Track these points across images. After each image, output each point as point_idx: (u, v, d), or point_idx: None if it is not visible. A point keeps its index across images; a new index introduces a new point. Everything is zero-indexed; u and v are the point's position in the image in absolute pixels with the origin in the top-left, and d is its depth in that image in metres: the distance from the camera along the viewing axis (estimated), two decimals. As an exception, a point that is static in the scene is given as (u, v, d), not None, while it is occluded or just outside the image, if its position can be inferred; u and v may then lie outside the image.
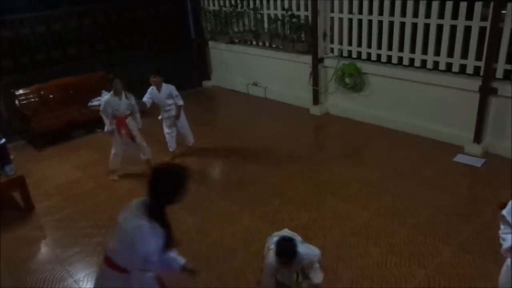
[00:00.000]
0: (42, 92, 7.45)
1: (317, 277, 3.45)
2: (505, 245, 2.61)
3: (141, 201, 2.57)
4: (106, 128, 5.63)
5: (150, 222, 2.47)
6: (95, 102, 7.67)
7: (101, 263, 2.74)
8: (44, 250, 4.56)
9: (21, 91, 7.23)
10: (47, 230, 4.88)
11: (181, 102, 6.10)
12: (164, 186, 2.51)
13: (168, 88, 5.99)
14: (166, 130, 6.22)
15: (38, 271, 4.17)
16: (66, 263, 4.25)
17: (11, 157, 5.28)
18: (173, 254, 2.85)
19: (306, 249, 3.41)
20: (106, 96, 5.70)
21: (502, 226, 2.70)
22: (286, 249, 3.25)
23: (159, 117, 6.21)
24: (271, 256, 3.34)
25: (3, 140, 5.17)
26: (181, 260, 2.88)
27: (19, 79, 7.31)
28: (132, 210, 2.54)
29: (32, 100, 7.33)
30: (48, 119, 7.20)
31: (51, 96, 7.55)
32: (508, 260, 2.76)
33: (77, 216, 5.06)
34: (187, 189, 2.58)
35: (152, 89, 5.96)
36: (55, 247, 4.53)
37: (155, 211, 2.51)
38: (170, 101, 6.02)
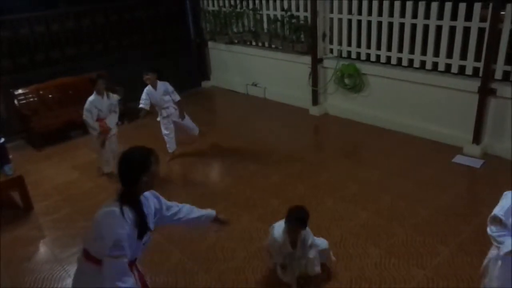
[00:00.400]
0: (41, 92, 7.45)
1: (314, 266, 3.48)
2: (505, 249, 2.60)
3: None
4: (93, 133, 5.65)
5: (120, 208, 2.46)
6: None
7: (80, 256, 2.69)
8: (42, 250, 4.56)
9: (20, 91, 7.23)
10: (46, 230, 4.88)
11: (178, 97, 6.06)
12: (128, 170, 2.52)
13: (163, 85, 5.97)
14: (164, 131, 6.17)
15: (36, 271, 4.17)
16: (65, 263, 4.25)
17: (10, 156, 5.28)
18: (198, 211, 3.00)
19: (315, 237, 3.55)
20: (90, 97, 5.61)
21: (493, 228, 2.69)
22: (298, 213, 3.36)
23: (158, 119, 6.18)
24: (276, 231, 3.48)
25: (2, 140, 5.17)
26: (211, 212, 3.07)
27: (18, 79, 7.31)
28: (108, 201, 2.57)
29: (31, 100, 7.32)
30: (47, 119, 7.20)
31: (50, 96, 7.54)
32: (493, 258, 2.79)
33: (75, 216, 5.06)
34: (154, 172, 2.57)
35: (148, 88, 5.93)
36: (54, 247, 4.53)
37: (126, 196, 2.52)
38: (167, 98, 5.97)
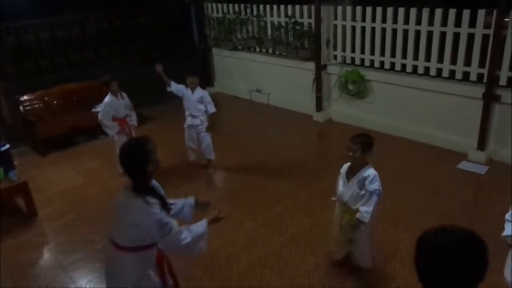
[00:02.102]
0: (46, 98, 7.50)
1: (366, 208, 3.46)
2: (504, 232, 2.76)
3: (125, 186, 2.71)
4: (111, 133, 5.75)
5: (142, 198, 2.61)
6: (98, 108, 7.69)
7: (109, 247, 2.79)
8: (46, 256, 4.56)
9: (25, 97, 7.28)
10: (50, 236, 4.88)
11: (213, 110, 5.86)
12: (132, 165, 2.66)
13: (202, 92, 5.80)
14: (187, 142, 6.04)
15: (40, 277, 4.17)
16: (69, 269, 4.25)
17: (15, 163, 5.30)
18: (178, 202, 3.05)
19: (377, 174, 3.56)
20: (106, 98, 5.76)
21: (507, 215, 2.85)
22: (363, 136, 3.63)
23: (185, 125, 6.00)
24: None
25: (7, 146, 5.19)
26: (190, 200, 3.11)
27: (24, 85, 7.37)
28: (123, 198, 2.69)
29: (36, 106, 7.37)
30: (52, 125, 7.23)
31: (55, 102, 7.59)
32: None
33: (80, 222, 5.07)
34: (154, 159, 2.68)
35: (185, 88, 5.78)
36: (58, 253, 4.54)
37: (140, 187, 2.66)
38: (200, 106, 5.78)
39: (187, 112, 5.90)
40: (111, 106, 5.69)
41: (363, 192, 3.48)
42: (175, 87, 5.82)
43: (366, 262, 3.80)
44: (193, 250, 2.88)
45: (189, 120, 5.90)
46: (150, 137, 2.75)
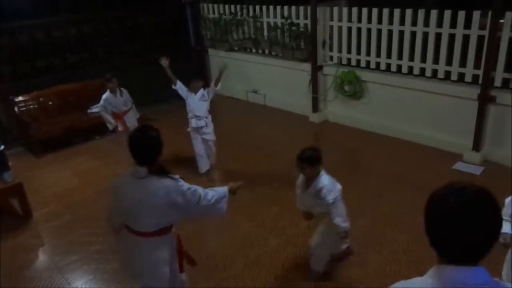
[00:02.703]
0: (41, 99, 7.47)
1: (338, 219, 3.48)
2: (503, 229, 2.72)
3: (132, 174, 2.78)
4: (110, 127, 5.92)
5: (167, 177, 2.77)
6: (94, 109, 7.68)
7: (131, 236, 2.86)
8: (42, 257, 4.55)
9: (20, 98, 7.25)
10: (45, 238, 4.86)
11: (219, 88, 5.71)
12: (153, 148, 2.79)
13: (202, 91, 5.58)
14: (195, 148, 5.76)
15: (36, 279, 4.15)
16: (64, 271, 4.24)
17: (10, 164, 5.29)
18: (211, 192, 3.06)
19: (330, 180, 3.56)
20: (104, 95, 5.98)
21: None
22: (308, 152, 3.58)
23: (188, 129, 5.77)
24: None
25: (2, 147, 5.19)
26: (223, 189, 3.18)
27: (19, 86, 7.33)
28: (145, 186, 2.73)
29: (32, 107, 7.34)
30: (48, 126, 7.21)
31: (50, 103, 7.56)
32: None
33: (75, 223, 5.05)
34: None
35: (188, 92, 5.56)
36: (53, 255, 4.52)
37: (160, 170, 2.78)
38: (204, 105, 5.55)
39: (190, 114, 5.63)
40: (109, 102, 5.93)
41: (320, 201, 3.53)
42: (179, 85, 5.55)
43: (318, 266, 3.81)
44: (217, 210, 3.03)
45: (193, 123, 5.62)
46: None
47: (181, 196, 2.77)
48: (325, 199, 3.46)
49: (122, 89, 6.11)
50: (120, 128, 6.11)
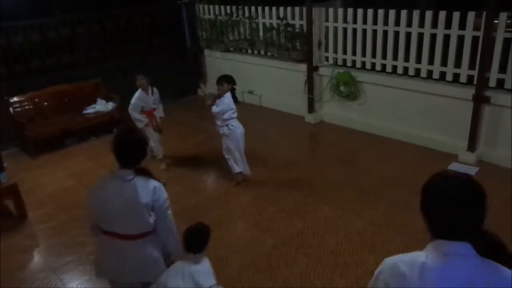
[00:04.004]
0: (36, 100, 7.42)
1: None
2: None
3: (115, 176, 2.79)
4: (139, 125, 5.88)
5: (153, 178, 2.84)
6: (90, 110, 7.66)
7: (112, 241, 2.83)
8: (37, 258, 4.53)
9: (15, 99, 7.20)
10: (40, 239, 4.84)
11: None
12: (141, 150, 2.82)
13: (228, 96, 5.43)
14: (225, 155, 5.56)
15: (30, 280, 4.14)
16: (59, 271, 4.22)
17: (4, 164, 5.26)
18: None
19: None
20: (136, 93, 5.94)
21: None
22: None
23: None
24: None
25: (-3, 148, 5.15)
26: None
27: (14, 86, 7.29)
28: (132, 186, 2.74)
29: (27, 107, 7.30)
30: (43, 126, 7.17)
31: (45, 103, 7.52)
32: None
33: (70, 224, 5.03)
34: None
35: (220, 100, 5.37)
36: (48, 256, 4.50)
37: (144, 171, 2.83)
38: (231, 111, 5.40)
39: (220, 121, 5.51)
40: (141, 100, 5.92)
41: None
42: (216, 111, 5.35)
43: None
44: (175, 240, 3.01)
45: (224, 130, 5.46)
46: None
47: (161, 200, 2.80)
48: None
49: (155, 88, 6.13)
50: (153, 123, 6.08)
